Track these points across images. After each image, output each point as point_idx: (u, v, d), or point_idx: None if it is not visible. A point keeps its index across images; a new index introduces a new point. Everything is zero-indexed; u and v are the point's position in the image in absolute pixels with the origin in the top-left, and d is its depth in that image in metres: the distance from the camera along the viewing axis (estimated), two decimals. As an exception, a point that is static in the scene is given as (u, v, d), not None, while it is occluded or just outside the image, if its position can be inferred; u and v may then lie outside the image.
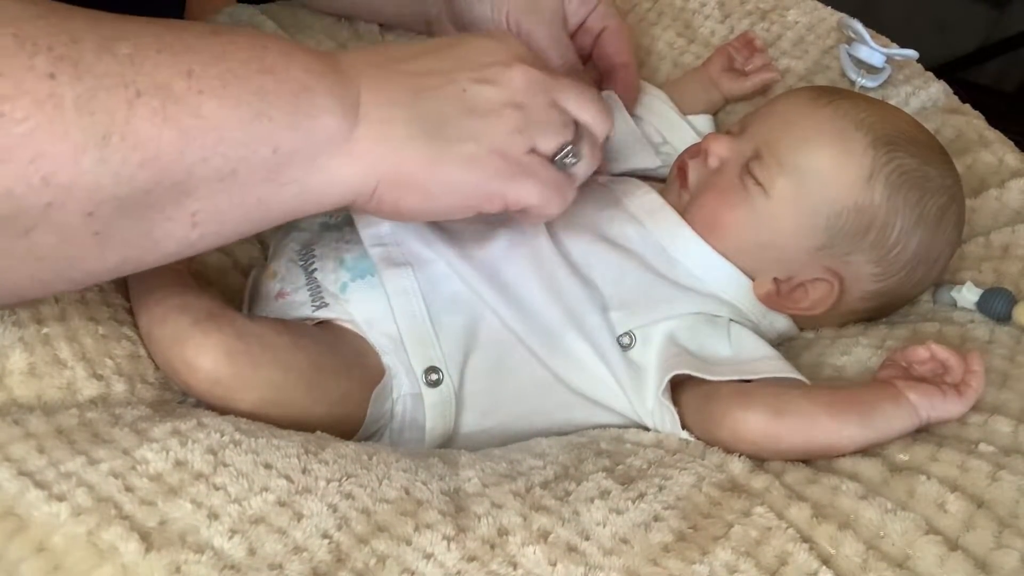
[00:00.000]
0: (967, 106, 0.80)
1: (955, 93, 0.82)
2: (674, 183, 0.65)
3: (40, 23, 0.38)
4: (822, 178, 0.60)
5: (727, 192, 0.61)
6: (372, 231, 0.58)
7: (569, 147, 0.53)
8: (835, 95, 0.63)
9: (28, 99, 0.37)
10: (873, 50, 0.79)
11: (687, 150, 0.66)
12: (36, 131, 0.37)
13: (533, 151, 0.51)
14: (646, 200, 0.64)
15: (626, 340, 0.58)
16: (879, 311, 0.65)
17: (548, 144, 0.52)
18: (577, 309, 0.58)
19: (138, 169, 0.40)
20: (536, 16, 0.68)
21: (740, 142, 0.63)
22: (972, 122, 0.77)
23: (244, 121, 0.42)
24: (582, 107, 0.54)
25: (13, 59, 0.37)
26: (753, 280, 0.61)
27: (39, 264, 0.41)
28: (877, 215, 0.60)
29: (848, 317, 0.64)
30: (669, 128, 0.74)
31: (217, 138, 0.42)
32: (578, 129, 0.54)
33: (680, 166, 0.65)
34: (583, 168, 0.55)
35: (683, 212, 0.63)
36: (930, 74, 0.82)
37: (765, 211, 0.60)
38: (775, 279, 0.61)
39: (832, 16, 0.86)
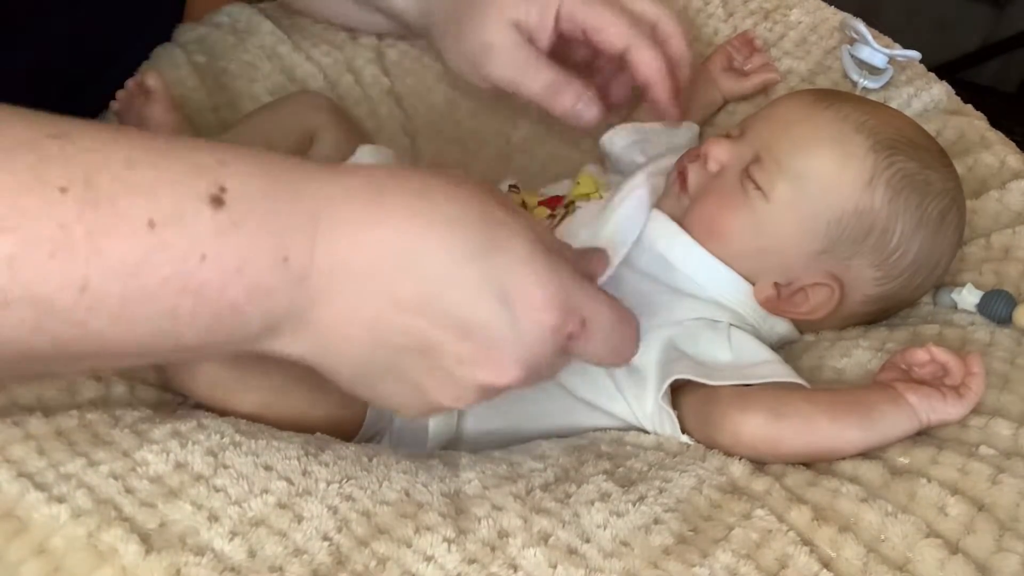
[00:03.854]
0: (969, 107, 0.80)
1: (955, 93, 0.81)
2: (673, 186, 0.64)
3: None
4: (823, 182, 0.60)
5: (727, 196, 0.61)
6: None
7: None
8: (835, 98, 0.63)
9: None
10: (875, 51, 0.78)
11: (687, 153, 0.65)
12: None
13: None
14: None
15: None
16: (880, 314, 0.64)
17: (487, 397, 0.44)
18: None
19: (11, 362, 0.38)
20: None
21: (740, 146, 0.62)
22: (974, 123, 0.77)
23: (142, 337, 0.38)
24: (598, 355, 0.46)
25: None
26: (753, 285, 0.61)
27: None
28: (878, 219, 0.59)
29: (849, 320, 0.64)
30: (656, 141, 0.72)
31: (99, 348, 0.37)
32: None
33: (680, 170, 0.64)
34: None
35: (683, 216, 0.62)
36: (932, 75, 0.82)
37: (765, 215, 0.60)
38: (775, 284, 0.61)
39: (835, 16, 0.86)
